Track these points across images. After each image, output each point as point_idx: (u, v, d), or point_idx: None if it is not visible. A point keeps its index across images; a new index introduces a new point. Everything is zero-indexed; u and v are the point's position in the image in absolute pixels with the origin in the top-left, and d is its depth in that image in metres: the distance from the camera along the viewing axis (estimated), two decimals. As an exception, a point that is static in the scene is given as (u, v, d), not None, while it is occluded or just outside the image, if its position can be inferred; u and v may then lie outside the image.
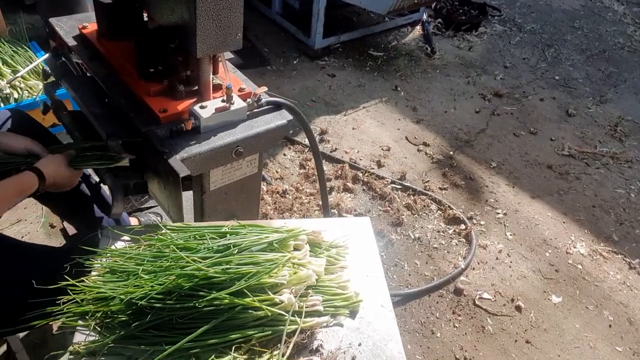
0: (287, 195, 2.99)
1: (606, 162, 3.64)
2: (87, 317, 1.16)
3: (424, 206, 3.05)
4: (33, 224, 2.60)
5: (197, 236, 1.30)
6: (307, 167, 3.23)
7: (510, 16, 5.58)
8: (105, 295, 1.14)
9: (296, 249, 1.30)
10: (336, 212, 2.91)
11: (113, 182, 1.59)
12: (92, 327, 1.14)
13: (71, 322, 1.16)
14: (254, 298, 1.13)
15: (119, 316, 1.15)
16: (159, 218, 2.54)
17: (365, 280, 1.32)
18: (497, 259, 2.79)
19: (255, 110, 1.64)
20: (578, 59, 4.93)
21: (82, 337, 1.15)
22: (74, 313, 1.15)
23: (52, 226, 2.61)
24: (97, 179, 1.72)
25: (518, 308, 2.54)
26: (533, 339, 2.41)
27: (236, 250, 1.20)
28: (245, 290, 1.13)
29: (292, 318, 1.15)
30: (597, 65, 4.86)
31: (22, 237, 2.52)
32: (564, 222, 3.08)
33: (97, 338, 1.14)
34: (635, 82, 4.68)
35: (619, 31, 5.58)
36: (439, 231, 2.91)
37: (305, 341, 1.14)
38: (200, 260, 1.16)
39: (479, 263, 2.75)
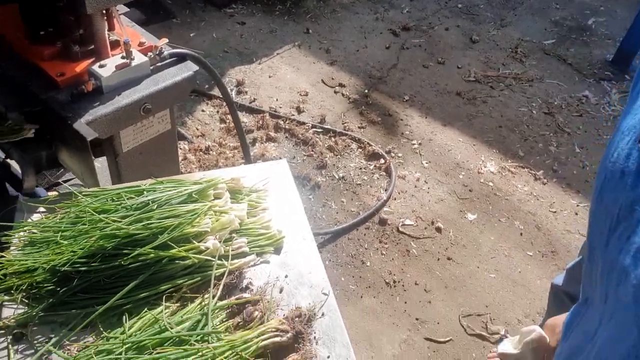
0: (211, 152, 2.98)
1: (509, 84, 3.88)
2: (12, 291, 1.15)
3: (345, 146, 3.15)
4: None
5: (114, 198, 1.30)
6: (228, 121, 3.21)
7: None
8: (27, 266, 1.13)
9: (217, 197, 1.33)
10: (261, 162, 2.95)
11: (20, 156, 1.53)
12: (19, 301, 1.13)
13: (-5, 298, 1.14)
14: (180, 248, 1.17)
15: (45, 285, 1.15)
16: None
17: (287, 217, 1.39)
18: (415, 186, 2.97)
19: (158, 65, 1.61)
20: (479, -13, 5.10)
21: (10, 312, 1.14)
22: (-3, 289, 1.14)
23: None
24: (3, 156, 1.65)
25: (438, 229, 2.74)
26: (454, 255, 2.63)
27: (155, 206, 1.21)
28: (170, 243, 1.16)
29: (220, 262, 1.20)
30: (497, -8, 5.07)
31: None
32: (474, 145, 3.30)
33: (26, 310, 1.13)
34: (532, 3, 4.93)
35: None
36: (360, 168, 3.03)
37: (235, 281, 1.20)
38: (120, 219, 1.17)
39: (399, 193, 2.91)
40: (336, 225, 2.68)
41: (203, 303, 1.14)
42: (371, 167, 3.04)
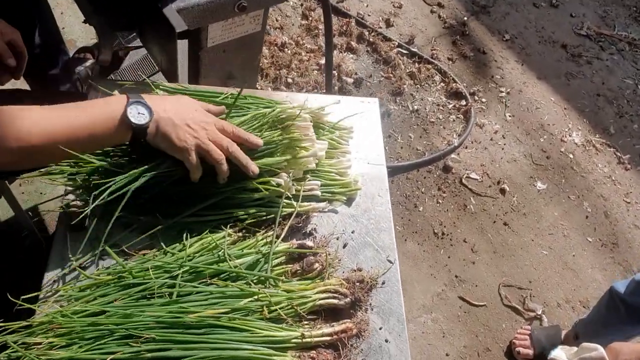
0: (286, 50, 2.81)
1: (622, 48, 3.46)
2: (75, 177, 1.10)
3: (428, 76, 2.92)
4: None
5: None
6: (310, 19, 3.00)
7: None
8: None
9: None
10: (336, 73, 2.78)
11: (102, 26, 1.43)
12: (79, 185, 1.09)
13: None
14: (250, 181, 1.09)
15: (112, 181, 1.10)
16: (88, 64, 2.30)
17: (366, 167, 1.28)
18: (491, 139, 2.77)
19: (263, -42, 1.43)
20: None
21: (71, 196, 1.11)
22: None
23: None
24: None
25: (502, 191, 2.59)
26: (511, 221, 2.50)
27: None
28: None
29: (288, 201, 1.12)
30: None
31: None
32: (565, 109, 3.01)
33: (87, 200, 1.10)
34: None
35: None
36: (438, 105, 2.83)
37: (300, 225, 1.13)
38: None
39: (472, 142, 2.73)
40: (397, 161, 2.56)
41: (265, 240, 1.09)
42: (450, 106, 2.84)
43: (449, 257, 2.35)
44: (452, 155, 2.65)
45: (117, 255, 1.02)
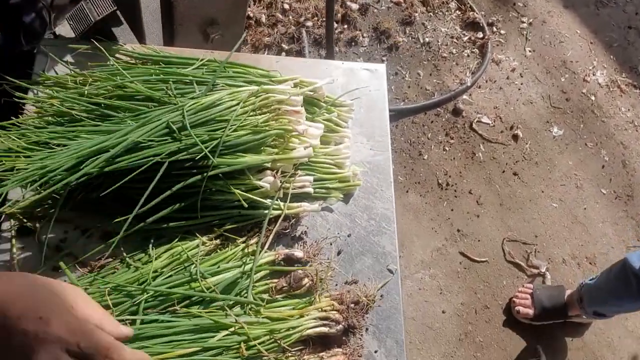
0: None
1: (662, -30, 3.07)
2: (21, 171, 0.92)
3: (443, 2, 2.60)
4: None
5: (160, 71, 0.99)
6: None
7: None
8: (41, 159, 0.88)
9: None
10: (352, 62, 2.44)
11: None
12: (27, 186, 0.91)
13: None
14: (229, 182, 0.91)
15: (63, 175, 0.92)
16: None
17: (368, 155, 1.09)
18: (507, 78, 2.52)
19: None
20: None
21: (17, 195, 0.93)
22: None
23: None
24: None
25: (515, 137, 2.39)
26: (522, 171, 2.33)
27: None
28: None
29: (276, 203, 0.95)
30: None
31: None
32: (591, 43, 2.72)
33: (36, 198, 0.93)
34: None
35: None
36: (452, 37, 2.54)
37: (288, 230, 0.97)
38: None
39: (487, 81, 2.49)
40: (403, 103, 2.33)
41: (246, 250, 0.93)
42: (465, 38, 2.55)
43: (452, 210, 2.21)
44: (464, 97, 2.42)
45: (70, 273, 0.87)
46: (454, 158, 2.29)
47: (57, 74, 1.03)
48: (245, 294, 0.88)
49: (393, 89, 2.36)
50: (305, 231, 1.00)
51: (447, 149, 2.30)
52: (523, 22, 2.67)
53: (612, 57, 2.72)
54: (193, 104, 0.89)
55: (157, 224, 0.91)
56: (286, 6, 2.34)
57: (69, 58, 1.05)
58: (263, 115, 0.93)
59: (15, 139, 0.90)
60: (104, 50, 1.01)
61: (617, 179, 2.43)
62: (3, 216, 0.92)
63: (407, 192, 2.20)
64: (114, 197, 0.89)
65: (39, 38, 1.11)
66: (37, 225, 0.93)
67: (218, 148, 0.87)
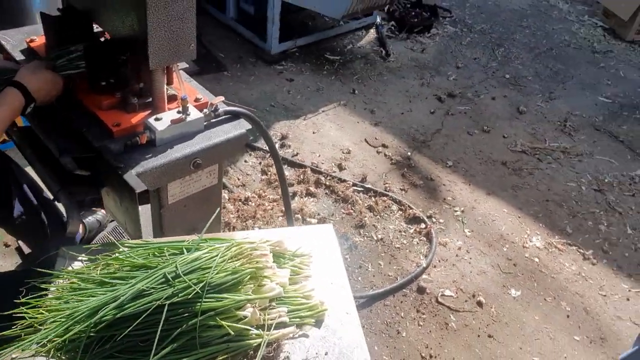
0: (250, 203, 2.97)
1: (557, 157, 3.78)
2: (46, 342, 1.11)
3: (385, 207, 3.09)
4: (-18, 245, 2.49)
5: (156, 253, 1.27)
6: (269, 173, 3.22)
7: (461, 17, 5.72)
8: (66, 314, 1.10)
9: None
10: (300, 217, 2.91)
11: (68, 199, 1.54)
12: (51, 354, 1.10)
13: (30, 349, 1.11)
14: (217, 316, 1.12)
15: (81, 340, 1.11)
16: (99, 216, 2.37)
17: (330, 288, 1.33)
18: (457, 255, 2.86)
19: (212, 121, 1.62)
20: (527, 57, 5.10)
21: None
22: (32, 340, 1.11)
23: (6, 245, 2.50)
24: (52, 197, 1.67)
25: (479, 303, 2.61)
26: (495, 333, 2.48)
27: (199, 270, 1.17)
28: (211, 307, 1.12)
29: (257, 332, 1.14)
30: (545, 63, 5.04)
31: (-29, 258, 2.41)
32: (519, 217, 3.18)
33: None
34: (582, 77, 4.88)
35: (565, 29, 5.79)
36: (400, 231, 2.95)
37: (272, 354, 1.13)
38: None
39: (440, 261, 2.81)
40: (372, 290, 2.58)
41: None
42: (411, 230, 2.96)
43: (441, 382, 2.26)
44: (424, 276, 2.70)
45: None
46: (430, 331, 2.45)
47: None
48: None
49: (360, 279, 2.64)
50: (287, 356, 1.16)
51: (421, 324, 2.47)
52: (456, 211, 3.15)
53: (541, 225, 3.15)
54: (183, 259, 1.17)
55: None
56: (257, 228, 2.75)
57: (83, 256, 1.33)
58: (239, 261, 1.20)
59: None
60: (116, 241, 1.31)
61: (585, 325, 2.59)
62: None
63: (394, 371, 2.28)
64: (120, 349, 1.09)
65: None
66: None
67: (205, 287, 1.11)
